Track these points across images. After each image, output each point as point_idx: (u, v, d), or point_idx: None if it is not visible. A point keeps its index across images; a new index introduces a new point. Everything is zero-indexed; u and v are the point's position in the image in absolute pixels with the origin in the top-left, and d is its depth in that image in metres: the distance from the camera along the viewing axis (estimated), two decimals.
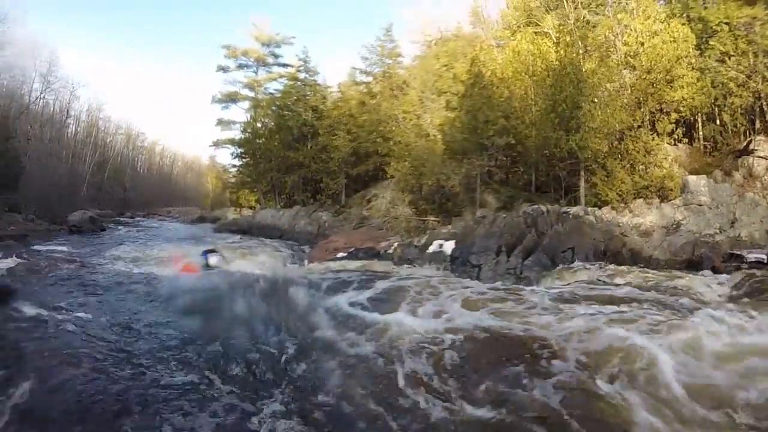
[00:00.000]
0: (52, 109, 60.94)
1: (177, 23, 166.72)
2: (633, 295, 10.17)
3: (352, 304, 9.87)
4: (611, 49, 23.58)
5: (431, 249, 19.74)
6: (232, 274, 13.35)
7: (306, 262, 21.48)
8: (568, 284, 12.74)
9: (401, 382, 6.19)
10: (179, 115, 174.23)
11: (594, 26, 24.40)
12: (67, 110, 63.97)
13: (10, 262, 14.62)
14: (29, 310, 8.74)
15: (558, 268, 15.31)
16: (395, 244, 21.89)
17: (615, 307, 9.01)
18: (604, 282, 12.66)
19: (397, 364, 6.66)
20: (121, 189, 71.69)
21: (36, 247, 21.93)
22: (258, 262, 19.73)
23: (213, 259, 15.20)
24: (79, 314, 8.86)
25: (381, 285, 11.65)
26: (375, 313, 9.10)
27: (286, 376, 6.48)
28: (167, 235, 34.63)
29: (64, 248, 22.57)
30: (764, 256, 15.04)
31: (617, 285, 11.88)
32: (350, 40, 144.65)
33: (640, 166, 20.23)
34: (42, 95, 56.57)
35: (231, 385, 6.17)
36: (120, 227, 41.70)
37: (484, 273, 16.18)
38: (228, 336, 7.82)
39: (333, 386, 6.05)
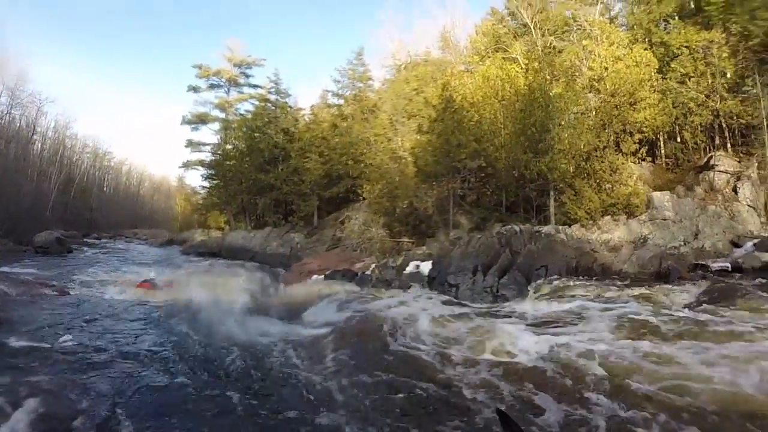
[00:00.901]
0: (18, 124, 58.77)
1: (149, 41, 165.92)
2: (598, 308, 10.90)
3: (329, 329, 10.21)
4: (577, 74, 24.67)
5: (408, 270, 20.18)
6: (210, 301, 12.99)
7: (282, 285, 21.23)
8: (542, 301, 13.50)
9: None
10: (148, 134, 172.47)
11: (560, 51, 25.38)
12: (34, 126, 61.34)
13: None
14: (15, 339, 8.76)
15: (533, 285, 15.95)
16: (372, 266, 22.18)
17: (579, 321, 9.75)
18: (570, 297, 13.53)
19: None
20: (87, 209, 70.23)
21: (2, 269, 20.92)
22: (233, 288, 18.75)
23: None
24: (67, 341, 8.92)
25: (363, 307, 12.11)
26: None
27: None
28: (136, 259, 34.26)
29: (33, 270, 21.97)
30: (728, 265, 16.03)
31: (585, 299, 12.69)
32: (324, 64, 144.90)
33: (607, 185, 21.16)
34: (9, 111, 55.55)
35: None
36: (87, 249, 40.48)
37: (462, 292, 16.66)
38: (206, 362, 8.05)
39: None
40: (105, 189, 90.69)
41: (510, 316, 11.52)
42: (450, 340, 9.40)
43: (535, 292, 15.23)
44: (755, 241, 17.72)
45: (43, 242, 33.05)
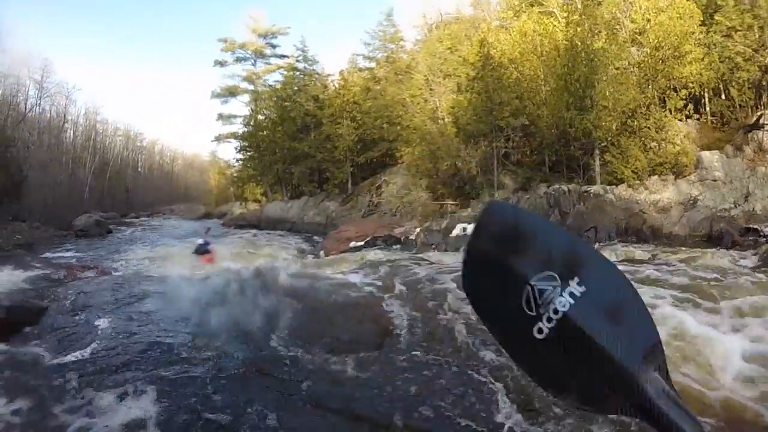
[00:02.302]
0: (49, 115, 59.75)
1: (171, 19, 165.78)
2: (664, 274, 10.59)
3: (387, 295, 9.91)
4: (618, 27, 23.94)
5: (455, 233, 19.97)
6: (250, 271, 12.51)
7: (321, 253, 21.02)
8: None
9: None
10: (177, 112, 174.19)
11: (599, 3, 24.66)
12: (64, 115, 62.04)
13: (25, 275, 13.77)
14: (66, 323, 8.62)
15: None
16: (417, 230, 22.00)
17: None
18: (624, 260, 13.19)
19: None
20: (123, 190, 71.05)
21: (46, 255, 21.01)
22: (274, 256, 19.46)
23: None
24: (119, 322, 8.65)
25: (412, 272, 12.07)
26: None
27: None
28: (175, 233, 34.28)
29: (75, 254, 21.99)
30: None
31: (641, 262, 12.39)
32: (349, 30, 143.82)
33: (653, 143, 20.75)
34: (38, 102, 56.13)
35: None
36: (126, 228, 40.67)
37: None
38: (258, 338, 7.73)
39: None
40: (139, 169, 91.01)
41: None
42: None
43: None
44: None
45: (83, 225, 33.32)
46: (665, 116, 21.45)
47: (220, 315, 8.46)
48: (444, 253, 17.64)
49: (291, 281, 11.18)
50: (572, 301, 0.89)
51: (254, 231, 34.69)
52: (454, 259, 15.89)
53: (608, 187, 19.41)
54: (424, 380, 5.95)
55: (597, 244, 15.76)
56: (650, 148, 20.61)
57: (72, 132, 66.72)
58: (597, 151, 21.12)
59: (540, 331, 0.90)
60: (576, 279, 0.91)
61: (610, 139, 20.88)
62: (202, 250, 16.83)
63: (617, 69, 21.75)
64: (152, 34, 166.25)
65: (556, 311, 0.89)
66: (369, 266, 14.25)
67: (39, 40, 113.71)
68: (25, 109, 51.65)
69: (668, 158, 19.98)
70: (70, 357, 6.90)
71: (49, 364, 6.69)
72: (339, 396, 5.72)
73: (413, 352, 6.77)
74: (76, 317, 9.00)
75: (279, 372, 6.39)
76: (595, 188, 19.03)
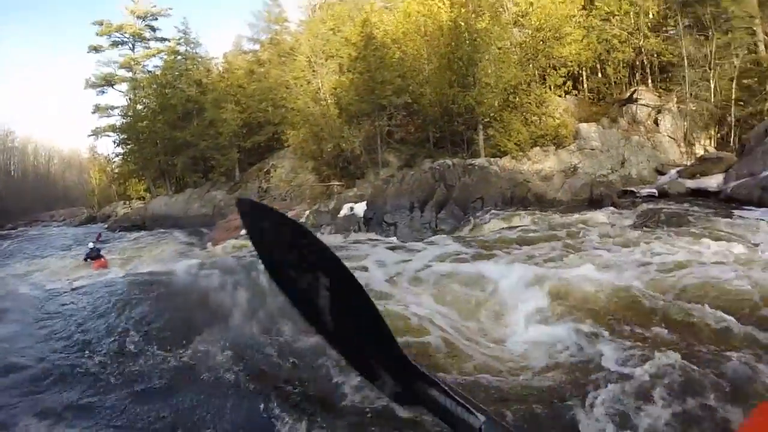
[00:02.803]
0: None
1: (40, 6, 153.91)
2: (546, 235, 10.79)
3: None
4: (501, 10, 24.43)
5: (343, 213, 19.81)
6: (134, 275, 12.04)
7: (209, 245, 20.13)
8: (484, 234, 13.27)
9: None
10: (50, 105, 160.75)
11: None
12: None
13: None
14: None
15: (471, 217, 15.80)
16: (307, 212, 21.64)
17: (530, 248, 9.58)
18: (511, 226, 13.41)
19: None
20: None
21: None
22: (158, 256, 18.38)
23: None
24: None
25: None
26: None
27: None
28: (57, 243, 31.92)
29: None
30: (655, 191, 16.59)
31: (530, 228, 12.46)
32: (234, 11, 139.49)
33: (534, 118, 21.34)
34: None
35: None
36: (2, 241, 36.67)
37: (401, 230, 16.48)
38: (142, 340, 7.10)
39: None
40: (12, 173, 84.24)
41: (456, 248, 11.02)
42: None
43: (474, 225, 14.98)
44: (678, 169, 18.45)
45: None
46: (545, 92, 22.23)
47: (89, 330, 7.54)
48: (332, 235, 17.51)
49: (176, 279, 10.35)
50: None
51: (140, 232, 32.43)
52: (341, 240, 15.53)
53: (492, 159, 19.73)
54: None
55: (484, 212, 15.83)
56: (531, 122, 21.27)
57: None
58: (480, 127, 21.49)
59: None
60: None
61: (492, 114, 21.29)
62: (93, 255, 16.51)
63: (500, 49, 22.15)
64: (19, 16, 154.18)
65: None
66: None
67: None
68: None
69: (549, 131, 20.69)
70: None
71: None
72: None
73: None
74: None
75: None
76: (479, 161, 19.21)
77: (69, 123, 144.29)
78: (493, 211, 15.81)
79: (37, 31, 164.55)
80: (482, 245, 10.46)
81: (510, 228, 12.96)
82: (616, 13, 24.09)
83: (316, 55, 30.60)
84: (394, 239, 15.26)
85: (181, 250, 19.84)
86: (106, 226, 40.08)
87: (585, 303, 6.11)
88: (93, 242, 17.60)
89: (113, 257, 18.36)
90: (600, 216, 13.34)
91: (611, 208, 14.80)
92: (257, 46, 41.92)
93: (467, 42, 21.39)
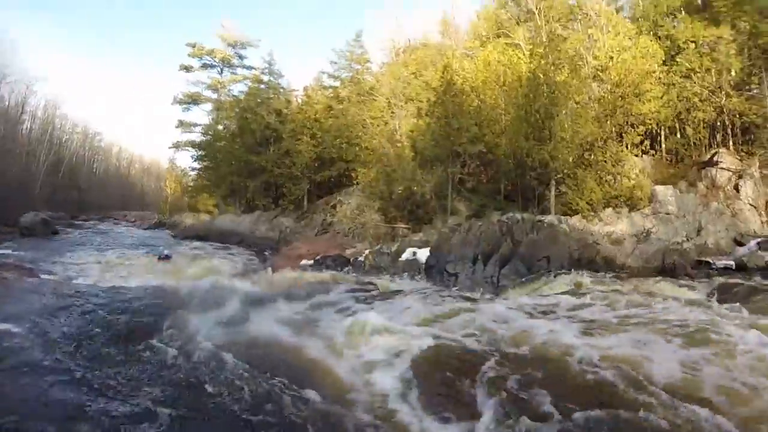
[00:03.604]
0: (6, 103, 57.21)
1: (140, 18, 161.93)
2: (614, 304, 10.42)
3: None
4: (581, 63, 24.17)
5: (404, 257, 19.71)
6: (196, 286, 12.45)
7: (270, 270, 20.08)
8: (547, 295, 12.87)
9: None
10: (139, 115, 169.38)
11: (564, 39, 24.90)
12: (23, 105, 60.36)
13: None
14: None
15: (534, 276, 15.48)
16: (366, 252, 21.67)
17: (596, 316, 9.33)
18: (577, 290, 13.05)
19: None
20: (76, 190, 68.73)
21: None
22: (219, 270, 19.24)
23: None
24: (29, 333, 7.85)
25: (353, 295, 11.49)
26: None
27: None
28: (123, 241, 33.51)
29: (13, 252, 21.46)
30: (732, 263, 15.82)
31: (597, 293, 11.99)
32: (319, 45, 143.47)
33: (609, 177, 20.83)
34: None
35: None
36: (73, 231, 39.33)
37: (461, 281, 16.32)
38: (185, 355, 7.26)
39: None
40: (95, 170, 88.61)
41: (513, 308, 10.68)
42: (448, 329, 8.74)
43: (539, 284, 14.64)
44: (759, 240, 17.59)
45: (29, 224, 32.07)
46: (622, 151, 21.68)
47: (101, 332, 8.08)
48: (391, 278, 17.35)
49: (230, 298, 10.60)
50: None
51: (201, 243, 33.60)
52: (398, 285, 15.34)
53: (563, 218, 19.29)
54: None
55: (549, 272, 15.51)
56: (606, 181, 20.72)
57: (29, 124, 64.06)
58: (553, 182, 21.07)
59: None
60: None
61: (566, 170, 20.87)
62: (163, 257, 21.02)
63: (577, 103, 21.91)
64: (119, 31, 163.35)
65: None
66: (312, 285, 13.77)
67: (4, 22, 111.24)
68: None
69: (623, 191, 20.11)
70: None
71: None
72: None
73: None
74: None
75: None
76: (549, 218, 18.83)
77: (154, 133, 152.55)
78: (559, 271, 15.50)
79: (132, 46, 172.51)
80: (545, 309, 10.23)
81: (576, 293, 12.30)
82: (698, 69, 23.44)
83: (396, 97, 30.98)
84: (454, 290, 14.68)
85: (243, 269, 20.74)
86: (172, 234, 41.88)
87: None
88: (167, 251, 22.41)
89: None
90: (672, 287, 12.82)
91: (684, 278, 14.33)
92: (337, 83, 42.72)
93: (545, 94, 21.14)
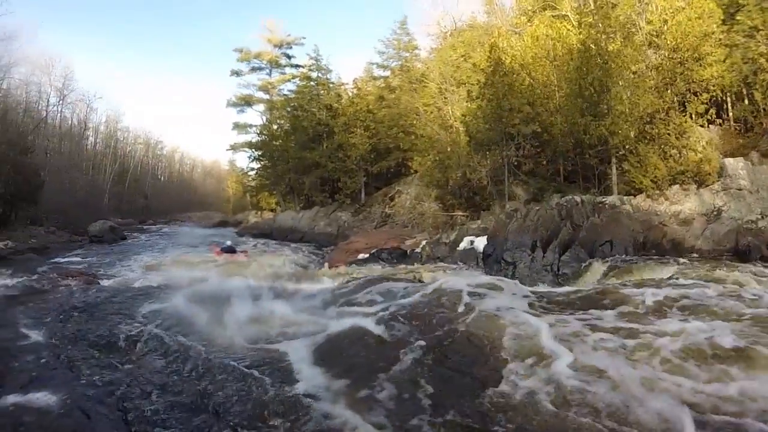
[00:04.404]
0: (70, 122, 61.72)
1: (190, 28, 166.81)
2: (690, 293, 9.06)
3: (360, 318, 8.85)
4: (634, 29, 22.78)
5: (462, 246, 19.15)
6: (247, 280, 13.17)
7: (326, 265, 20.35)
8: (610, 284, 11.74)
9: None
10: (197, 120, 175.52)
11: (614, 6, 23.60)
12: (85, 123, 65.27)
13: (11, 281, 14.40)
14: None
15: (598, 262, 14.51)
16: (423, 242, 21.30)
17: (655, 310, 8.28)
18: (641, 278, 11.87)
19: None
20: (142, 197, 72.36)
21: (55, 259, 22.55)
22: (274, 265, 19.59)
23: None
24: (63, 335, 8.38)
25: (404, 289, 10.73)
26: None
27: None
28: (187, 241, 34.84)
29: (82, 259, 23.20)
30: None
31: (659, 281, 10.98)
32: (366, 38, 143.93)
33: (673, 151, 19.34)
34: (59, 109, 57.98)
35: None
36: (141, 235, 42.32)
37: (520, 271, 15.57)
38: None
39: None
40: (159, 177, 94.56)
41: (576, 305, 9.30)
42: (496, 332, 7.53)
43: (602, 272, 13.62)
44: None
45: (98, 231, 34.28)
46: (686, 122, 20.13)
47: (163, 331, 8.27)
48: (445, 268, 16.54)
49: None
50: None
51: (266, 240, 34.93)
52: (446, 277, 14.38)
53: (626, 198, 18.18)
54: None
55: (612, 258, 14.50)
56: (670, 155, 19.18)
57: (93, 139, 70.26)
58: (614, 160, 19.97)
59: None
60: None
61: (627, 146, 19.64)
62: (228, 250, 22.20)
63: (634, 73, 20.62)
64: (172, 44, 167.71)
65: None
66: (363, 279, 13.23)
67: (61, 45, 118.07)
68: (46, 115, 53.03)
69: (690, 166, 18.55)
70: None
71: None
72: None
73: None
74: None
75: None
76: (610, 199, 17.84)
77: (212, 137, 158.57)
78: (622, 257, 14.57)
79: (184, 58, 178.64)
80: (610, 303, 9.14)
81: (641, 283, 10.81)
82: (761, 27, 21.31)
83: (447, 82, 30.37)
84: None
85: (299, 264, 21.45)
86: (236, 230, 43.66)
87: None
88: (230, 241, 24.14)
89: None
90: (745, 274, 11.03)
91: (759, 262, 13.23)
92: (387, 73, 42.54)
93: (598, 66, 20.04)
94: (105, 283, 14.81)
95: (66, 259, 22.76)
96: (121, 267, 20.11)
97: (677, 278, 11.05)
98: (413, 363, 6.53)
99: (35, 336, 8.28)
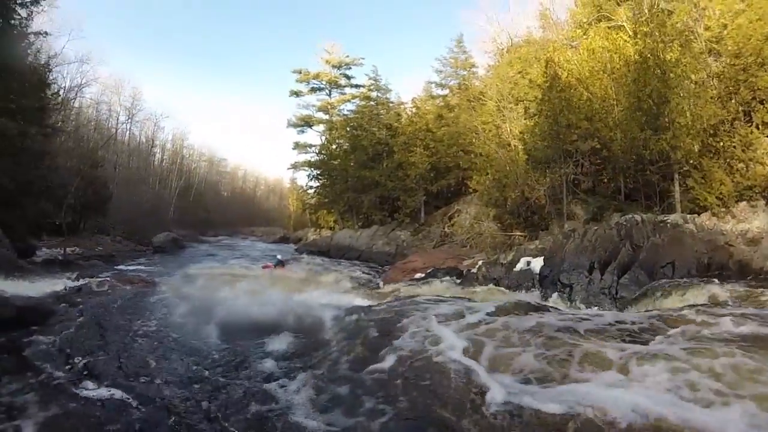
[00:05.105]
0: (138, 139, 67.23)
1: (249, 51, 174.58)
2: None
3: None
4: (692, 36, 21.88)
5: (518, 267, 18.67)
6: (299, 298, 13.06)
7: (381, 283, 20.77)
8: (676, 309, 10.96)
9: None
10: (260, 139, 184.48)
11: (670, 13, 22.77)
12: (153, 140, 70.80)
13: (74, 283, 15.40)
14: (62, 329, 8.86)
15: (657, 286, 13.72)
16: (479, 263, 20.92)
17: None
18: (708, 304, 10.69)
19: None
20: (205, 211, 75.55)
21: (119, 267, 24.71)
22: (328, 282, 19.52)
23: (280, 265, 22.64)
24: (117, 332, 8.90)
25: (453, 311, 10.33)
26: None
27: None
28: (246, 253, 36.57)
29: (144, 267, 25.51)
30: None
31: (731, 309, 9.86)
32: (424, 57, 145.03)
33: (740, 164, 18.34)
34: (128, 127, 63.52)
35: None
36: (201, 246, 45.79)
37: (576, 293, 15.10)
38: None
39: None
40: (223, 192, 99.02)
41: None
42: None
43: (663, 296, 12.84)
44: None
45: (161, 242, 37.48)
46: (752, 133, 19.01)
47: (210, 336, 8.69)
48: (499, 289, 16.60)
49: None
50: None
51: (322, 258, 35.29)
52: (496, 299, 13.81)
53: (689, 216, 17.17)
54: None
55: (673, 281, 13.69)
56: (737, 169, 18.03)
57: (159, 155, 75.91)
58: (676, 176, 19.07)
59: None
60: None
61: (690, 161, 18.73)
62: (278, 264, 22.73)
63: (694, 82, 19.75)
64: (237, 66, 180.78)
65: None
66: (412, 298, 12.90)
67: (130, 67, 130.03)
68: (115, 132, 57.58)
69: (758, 180, 17.34)
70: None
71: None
72: None
73: None
74: (75, 324, 9.30)
75: None
76: (673, 217, 16.98)
77: (275, 156, 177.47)
78: (685, 279, 13.77)
79: (248, 78, 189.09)
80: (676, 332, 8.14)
81: (706, 308, 9.69)
82: None
83: (505, 99, 30.05)
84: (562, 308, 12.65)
85: (353, 283, 20.85)
86: (295, 247, 44.67)
87: None
88: (280, 256, 25.85)
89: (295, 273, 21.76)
90: None
91: None
92: (445, 91, 42.60)
93: (656, 77, 19.28)
94: (160, 288, 15.30)
95: (128, 267, 25.11)
96: (178, 274, 20.82)
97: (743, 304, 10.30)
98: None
99: (86, 332, 8.80)
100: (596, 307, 13.82)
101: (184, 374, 6.86)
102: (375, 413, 5.56)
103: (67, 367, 6.94)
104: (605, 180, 23.76)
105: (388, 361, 6.82)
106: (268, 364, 7.30)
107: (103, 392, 5.98)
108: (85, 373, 6.73)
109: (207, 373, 6.89)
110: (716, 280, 13.09)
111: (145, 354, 7.67)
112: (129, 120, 62.82)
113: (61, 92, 40.27)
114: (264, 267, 23.14)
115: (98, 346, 7.95)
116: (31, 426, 5.06)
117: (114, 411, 5.52)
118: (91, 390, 6.04)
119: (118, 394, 5.97)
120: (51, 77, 32.12)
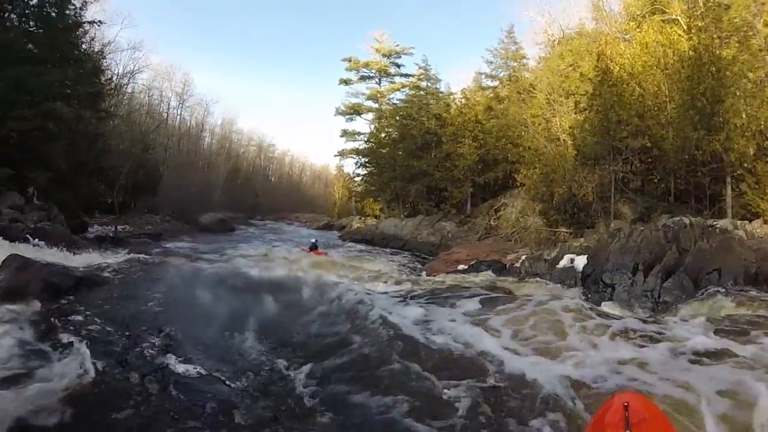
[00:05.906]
0: (188, 123, 69.41)
1: (298, 39, 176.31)
2: None
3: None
4: (750, 33, 21.16)
5: (561, 264, 18.45)
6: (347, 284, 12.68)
7: (424, 273, 20.84)
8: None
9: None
10: (307, 126, 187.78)
11: (727, 7, 22.03)
12: (203, 124, 73.35)
13: (126, 257, 16.11)
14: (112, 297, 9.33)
15: (704, 292, 13.45)
16: (523, 257, 20.91)
17: None
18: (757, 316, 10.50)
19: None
20: (252, 195, 76.13)
21: (167, 245, 25.52)
22: (375, 270, 19.99)
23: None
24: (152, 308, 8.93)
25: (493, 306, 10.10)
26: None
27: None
28: (290, 237, 37.28)
29: (187, 244, 26.37)
30: None
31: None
32: (476, 48, 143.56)
33: None
34: (179, 112, 66.24)
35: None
36: (249, 228, 47.07)
37: (618, 294, 14.83)
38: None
39: None
40: (270, 177, 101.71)
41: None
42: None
43: (706, 304, 12.46)
44: None
45: (207, 222, 39.43)
46: None
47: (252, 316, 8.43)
48: (540, 285, 16.55)
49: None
50: None
51: (366, 246, 35.69)
52: (536, 293, 13.97)
53: (739, 222, 16.54)
54: None
55: (718, 290, 13.31)
56: None
57: (209, 140, 78.42)
58: (729, 179, 18.49)
59: None
60: None
61: (744, 164, 18.12)
62: (313, 247, 24.46)
63: (752, 82, 19.12)
64: (285, 53, 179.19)
65: None
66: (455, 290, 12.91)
67: (182, 54, 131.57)
68: (166, 117, 60.11)
69: None
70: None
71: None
72: None
73: None
74: (123, 294, 9.80)
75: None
76: (722, 223, 16.46)
77: (324, 141, 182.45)
78: (731, 289, 13.43)
79: (299, 66, 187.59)
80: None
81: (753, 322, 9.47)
82: None
83: (555, 92, 29.63)
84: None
85: (397, 271, 21.71)
86: (338, 234, 45.34)
87: None
88: (314, 239, 27.02)
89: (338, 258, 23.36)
90: None
91: None
92: (495, 83, 42.23)
93: (711, 74, 18.62)
94: (203, 265, 15.72)
95: (175, 245, 26.13)
96: (224, 254, 21.78)
97: None
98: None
99: (138, 302, 9.13)
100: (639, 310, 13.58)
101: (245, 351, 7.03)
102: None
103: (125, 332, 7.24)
104: (655, 180, 23.20)
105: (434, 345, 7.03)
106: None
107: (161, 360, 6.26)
108: (139, 336, 7.05)
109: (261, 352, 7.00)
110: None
111: (203, 329, 7.79)
112: (180, 105, 65.62)
113: (114, 78, 41.88)
114: (302, 249, 25.29)
115: (152, 315, 8.28)
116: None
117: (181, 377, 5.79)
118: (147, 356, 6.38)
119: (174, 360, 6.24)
120: (105, 64, 34.07)
